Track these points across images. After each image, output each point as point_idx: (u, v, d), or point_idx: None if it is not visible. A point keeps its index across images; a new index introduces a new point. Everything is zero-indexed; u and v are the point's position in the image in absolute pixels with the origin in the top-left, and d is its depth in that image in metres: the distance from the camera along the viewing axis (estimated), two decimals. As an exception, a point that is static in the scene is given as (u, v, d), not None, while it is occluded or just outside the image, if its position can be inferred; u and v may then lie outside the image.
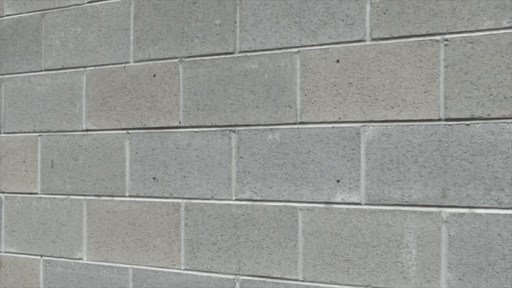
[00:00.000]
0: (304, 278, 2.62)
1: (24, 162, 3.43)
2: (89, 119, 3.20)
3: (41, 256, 3.36)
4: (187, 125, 2.91)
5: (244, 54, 2.77)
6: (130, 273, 3.06)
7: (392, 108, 2.45)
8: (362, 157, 2.50)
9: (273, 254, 2.69)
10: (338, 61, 2.56)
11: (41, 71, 3.38)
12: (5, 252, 3.51)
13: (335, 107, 2.56)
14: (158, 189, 2.98)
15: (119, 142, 3.11)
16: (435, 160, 2.37)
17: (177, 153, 2.93)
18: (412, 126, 2.41)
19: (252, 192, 2.74)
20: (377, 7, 2.48)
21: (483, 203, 2.29)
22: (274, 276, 2.69)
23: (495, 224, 2.27)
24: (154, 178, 2.99)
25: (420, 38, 2.40)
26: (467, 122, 2.32)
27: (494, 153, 2.27)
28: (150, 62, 3.02)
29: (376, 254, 2.47)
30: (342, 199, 2.54)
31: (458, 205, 2.33)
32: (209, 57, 2.86)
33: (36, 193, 3.39)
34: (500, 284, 2.26)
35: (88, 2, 3.23)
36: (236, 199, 2.78)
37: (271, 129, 2.70)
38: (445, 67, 2.36)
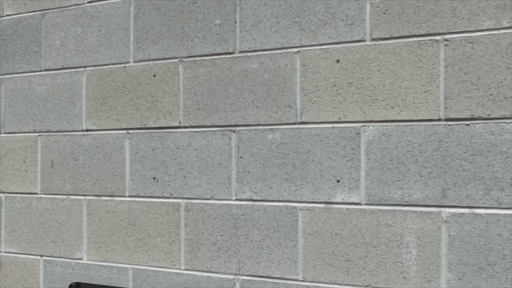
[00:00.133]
0: (304, 278, 2.63)
1: (24, 162, 3.43)
2: (89, 119, 3.20)
3: (41, 256, 3.36)
4: (187, 125, 2.91)
5: (244, 54, 2.77)
6: (130, 273, 3.06)
7: (392, 108, 2.45)
8: (362, 157, 2.50)
9: (273, 254, 2.69)
10: (338, 61, 2.56)
11: (41, 71, 3.38)
12: (5, 252, 3.51)
13: (335, 107, 2.56)
14: (158, 189, 2.98)
15: (119, 142, 3.11)
16: (435, 160, 2.37)
17: (177, 153, 2.93)
18: (412, 126, 2.41)
19: (252, 192, 2.74)
20: (377, 7, 2.48)
21: (483, 203, 2.29)
22: (274, 276, 2.69)
23: (495, 224, 2.27)
24: (154, 178, 3.00)
25: (420, 38, 2.40)
26: (467, 122, 2.32)
27: (494, 153, 2.27)
28: (150, 62, 3.02)
29: (376, 254, 2.47)
30: (342, 199, 2.54)
31: (458, 205, 2.33)
32: (209, 57, 2.86)
33: (36, 193, 3.39)
34: (500, 284, 2.26)
35: (88, 2, 3.23)
36: (236, 199, 2.78)
37: (271, 129, 2.70)
38: (445, 67, 2.36)
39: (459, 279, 2.32)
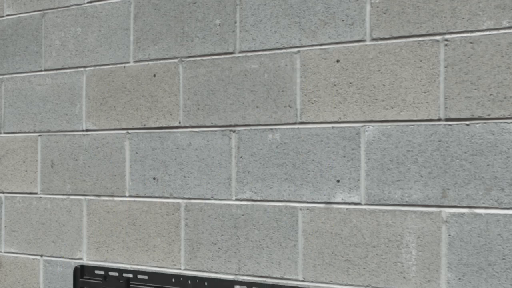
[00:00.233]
0: (304, 278, 2.62)
1: (24, 162, 3.43)
2: (89, 119, 3.20)
3: (41, 256, 3.36)
4: (187, 125, 2.91)
5: (244, 54, 2.77)
6: (130, 273, 3.06)
7: (392, 108, 2.45)
8: (362, 157, 2.50)
9: (273, 254, 2.69)
10: (338, 61, 2.56)
11: (41, 71, 3.38)
12: (5, 252, 3.51)
13: (335, 107, 2.56)
14: (158, 189, 2.98)
15: (119, 142, 3.11)
16: (435, 160, 2.36)
17: (177, 153, 2.93)
18: (412, 126, 2.41)
19: (252, 192, 2.74)
20: (377, 7, 2.48)
21: (483, 203, 2.29)
22: (274, 276, 2.69)
23: (495, 224, 2.27)
24: (154, 178, 2.99)
25: (420, 38, 2.40)
26: (467, 122, 2.32)
27: (494, 153, 2.27)
28: (150, 62, 3.02)
29: (376, 254, 2.47)
30: (342, 199, 2.54)
31: (458, 205, 2.33)
32: (209, 57, 2.86)
33: (36, 193, 3.39)
34: (500, 284, 2.26)
35: (88, 2, 3.23)
36: (236, 199, 2.78)
37: (271, 129, 2.70)
38: (445, 67, 2.36)
39: (459, 279, 2.32)
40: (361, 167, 2.50)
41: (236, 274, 2.77)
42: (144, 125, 3.03)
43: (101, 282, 2.39)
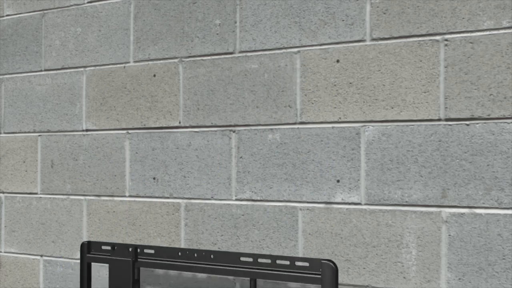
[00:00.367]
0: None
1: (24, 162, 3.43)
2: (89, 119, 3.20)
3: (41, 256, 3.36)
4: (187, 125, 2.91)
5: (244, 54, 2.77)
6: (130, 273, 3.06)
7: (392, 108, 2.45)
8: (362, 157, 2.50)
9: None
10: (338, 61, 2.56)
11: (41, 71, 3.38)
12: (5, 252, 3.51)
13: (335, 107, 2.56)
14: (158, 189, 2.98)
15: (119, 142, 3.11)
16: (435, 160, 2.36)
17: (177, 153, 2.93)
18: (412, 126, 2.41)
19: (252, 192, 2.74)
20: (377, 7, 2.48)
21: (483, 203, 2.29)
22: (274, 276, 2.69)
23: (495, 224, 2.27)
24: (154, 178, 2.99)
25: (420, 38, 2.40)
26: (467, 122, 2.32)
27: (494, 153, 2.27)
28: (150, 62, 3.02)
29: (376, 254, 2.47)
30: (342, 199, 2.54)
31: (458, 205, 2.33)
32: (209, 57, 2.86)
33: (36, 193, 3.39)
34: (500, 284, 2.26)
35: (88, 2, 3.23)
36: (236, 199, 2.78)
37: (271, 129, 2.70)
38: (445, 67, 2.36)
39: (459, 279, 2.32)
40: (361, 167, 2.50)
41: (236, 274, 2.77)
42: (144, 125, 3.03)
43: (109, 254, 2.40)
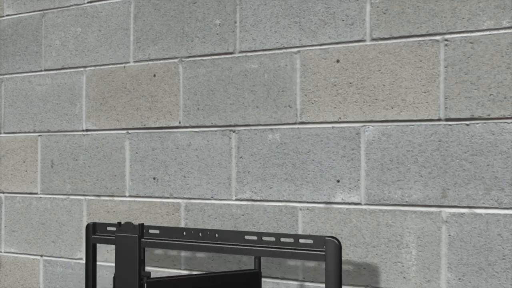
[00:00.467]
0: (304, 278, 2.63)
1: (24, 162, 3.43)
2: (89, 119, 3.20)
3: (41, 256, 3.36)
4: (187, 125, 2.91)
5: (244, 54, 2.77)
6: (130, 273, 3.06)
7: (392, 108, 2.45)
8: (362, 157, 2.50)
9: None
10: (338, 61, 2.56)
11: (41, 71, 3.38)
12: (5, 252, 3.51)
13: (335, 107, 2.56)
14: (158, 189, 2.98)
15: (119, 142, 3.11)
16: (435, 160, 2.37)
17: (177, 153, 2.93)
18: (412, 126, 2.41)
19: (252, 192, 2.74)
20: (377, 7, 2.48)
21: (483, 203, 2.29)
22: (274, 276, 2.69)
23: (495, 224, 2.27)
24: (154, 178, 3.00)
25: (420, 38, 2.40)
26: (467, 122, 2.32)
27: (494, 153, 2.27)
28: (150, 62, 3.02)
29: (376, 254, 2.47)
30: (342, 199, 2.54)
31: (458, 205, 2.33)
32: (209, 57, 2.86)
33: (36, 193, 3.39)
34: (500, 284, 2.26)
35: (88, 2, 3.23)
36: (236, 199, 2.78)
37: (271, 129, 2.70)
38: (445, 67, 2.36)
39: (459, 279, 2.32)
40: (361, 167, 2.50)
41: (236, 274, 2.77)
42: (144, 125, 3.03)
43: (114, 233, 2.42)
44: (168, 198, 2.95)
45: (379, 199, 2.47)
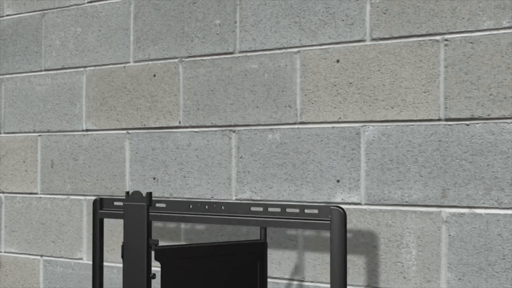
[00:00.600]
0: (304, 278, 2.63)
1: (24, 162, 3.43)
2: (89, 119, 3.20)
3: (41, 256, 3.36)
4: (187, 125, 2.91)
5: (244, 54, 2.77)
6: (130, 273, 3.06)
7: (392, 108, 2.45)
8: (362, 157, 2.50)
9: (273, 255, 2.69)
10: (338, 61, 2.56)
11: (41, 71, 3.38)
12: (5, 252, 3.51)
13: (335, 107, 2.56)
14: (158, 189, 2.98)
15: (119, 142, 3.11)
16: (435, 160, 2.37)
17: (177, 153, 2.93)
18: (412, 126, 2.41)
19: (252, 192, 2.74)
20: (377, 7, 2.49)
21: (483, 203, 2.29)
22: (274, 276, 2.69)
23: (495, 224, 2.27)
24: (154, 178, 3.00)
25: (420, 38, 2.40)
26: (467, 122, 2.32)
27: (494, 153, 2.27)
28: (150, 62, 3.02)
29: (376, 254, 2.48)
30: (342, 199, 2.54)
31: (458, 205, 2.33)
32: (209, 57, 2.86)
33: (36, 193, 3.39)
34: (500, 284, 2.26)
35: (88, 2, 3.23)
36: (236, 199, 2.78)
37: (271, 129, 2.70)
38: (445, 67, 2.36)
39: (459, 279, 2.32)
40: (361, 167, 2.50)
41: (236, 274, 2.77)
42: (144, 125, 3.03)
43: (121, 208, 2.42)
44: (168, 198, 2.95)
45: (379, 199, 2.47)
